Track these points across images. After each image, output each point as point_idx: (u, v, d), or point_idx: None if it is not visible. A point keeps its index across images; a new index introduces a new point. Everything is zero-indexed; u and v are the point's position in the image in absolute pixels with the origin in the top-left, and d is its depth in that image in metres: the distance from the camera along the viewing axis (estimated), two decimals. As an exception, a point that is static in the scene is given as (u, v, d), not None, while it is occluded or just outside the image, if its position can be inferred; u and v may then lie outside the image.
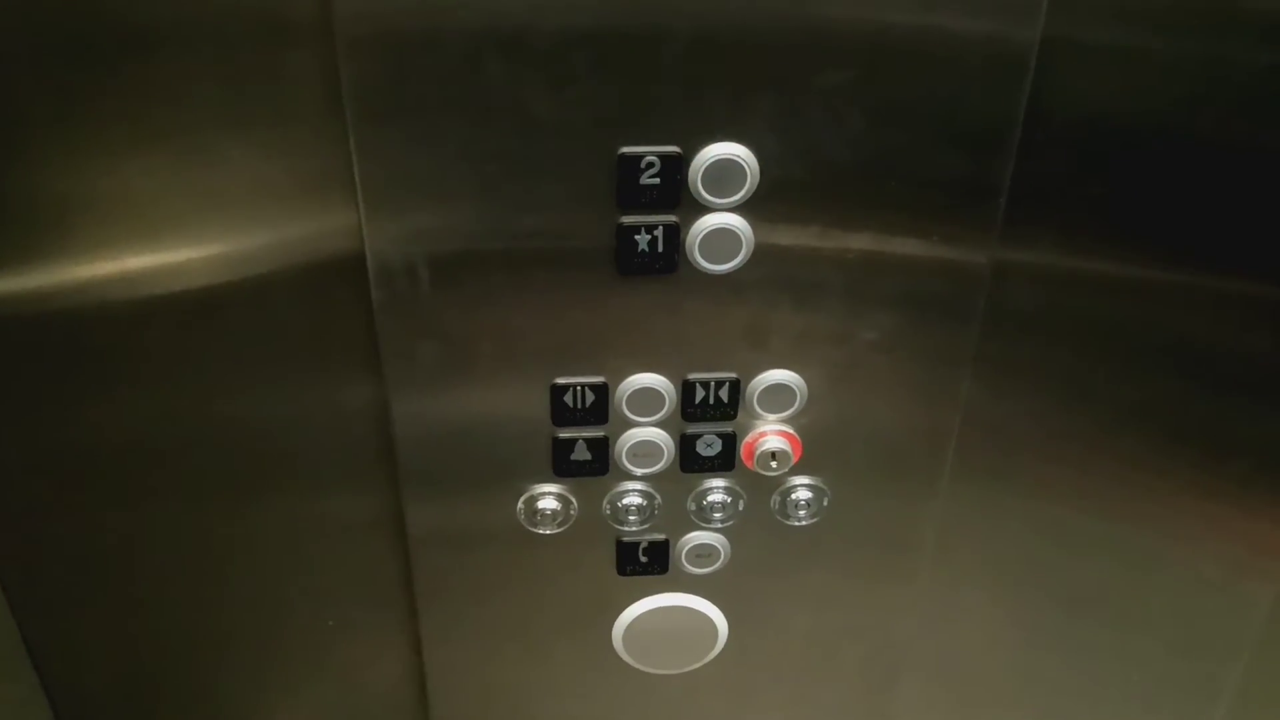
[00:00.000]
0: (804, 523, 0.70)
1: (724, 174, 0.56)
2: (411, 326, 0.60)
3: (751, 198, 0.57)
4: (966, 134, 0.57)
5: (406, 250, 0.57)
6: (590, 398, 0.63)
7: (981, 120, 0.56)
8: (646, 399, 0.64)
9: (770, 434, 0.66)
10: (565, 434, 0.65)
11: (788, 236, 0.59)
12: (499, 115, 0.54)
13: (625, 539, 0.70)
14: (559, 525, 0.68)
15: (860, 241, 0.60)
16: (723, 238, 0.58)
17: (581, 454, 0.66)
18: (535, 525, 0.68)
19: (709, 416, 0.65)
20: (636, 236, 0.58)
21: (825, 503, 0.69)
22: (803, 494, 0.69)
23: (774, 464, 0.66)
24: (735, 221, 0.58)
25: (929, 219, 0.60)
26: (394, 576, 0.71)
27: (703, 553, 0.71)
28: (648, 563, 0.71)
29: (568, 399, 0.63)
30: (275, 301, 0.60)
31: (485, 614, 0.73)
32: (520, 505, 0.67)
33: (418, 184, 0.56)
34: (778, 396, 0.65)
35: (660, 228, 0.58)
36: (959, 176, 0.58)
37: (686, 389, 0.64)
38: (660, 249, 0.58)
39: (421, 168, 0.55)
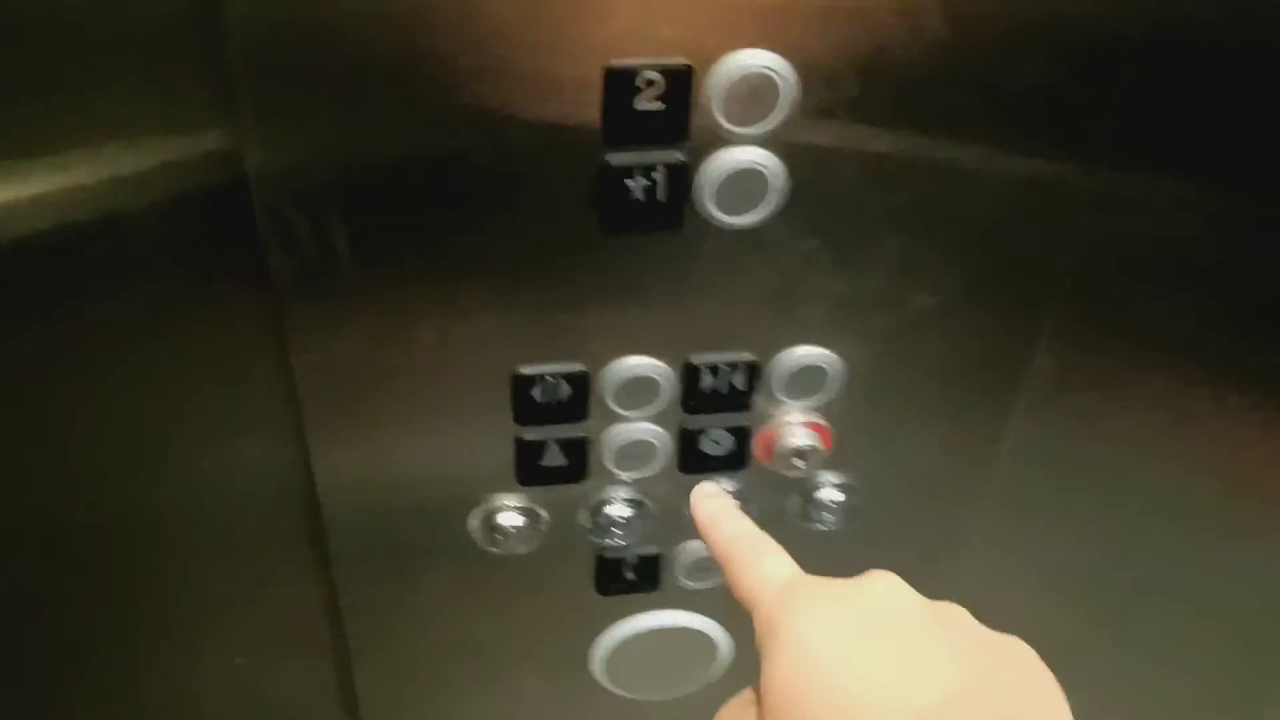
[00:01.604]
0: (830, 526, 0.56)
1: (750, 94, 0.41)
2: (325, 308, 0.44)
3: (784, 125, 0.42)
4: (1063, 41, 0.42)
5: (309, 201, 0.41)
6: (565, 390, 0.48)
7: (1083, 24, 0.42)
8: (638, 389, 0.49)
9: (795, 426, 0.52)
10: (532, 435, 0.50)
11: (830, 176, 0.44)
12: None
13: (609, 555, 0.56)
14: (525, 542, 0.53)
15: (922, 180, 0.45)
16: (745, 180, 0.43)
17: (554, 458, 0.51)
18: (495, 545, 0.53)
19: (718, 407, 0.51)
20: (629, 181, 0.42)
21: (857, 503, 0.55)
22: (830, 494, 0.55)
23: (799, 462, 0.52)
24: (762, 158, 0.43)
25: (1014, 150, 0.45)
26: (319, 608, 0.56)
27: (703, 566, 0.57)
28: (635, 580, 0.57)
29: (536, 393, 0.48)
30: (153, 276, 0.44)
31: (431, 651, 0.58)
32: (476, 522, 0.53)
33: (320, 107, 0.39)
34: (806, 380, 0.50)
35: (661, 168, 0.42)
36: (1051, 95, 0.44)
37: (690, 375, 0.49)
38: (661, 196, 0.43)
39: (325, 84, 0.39)
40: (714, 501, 0.42)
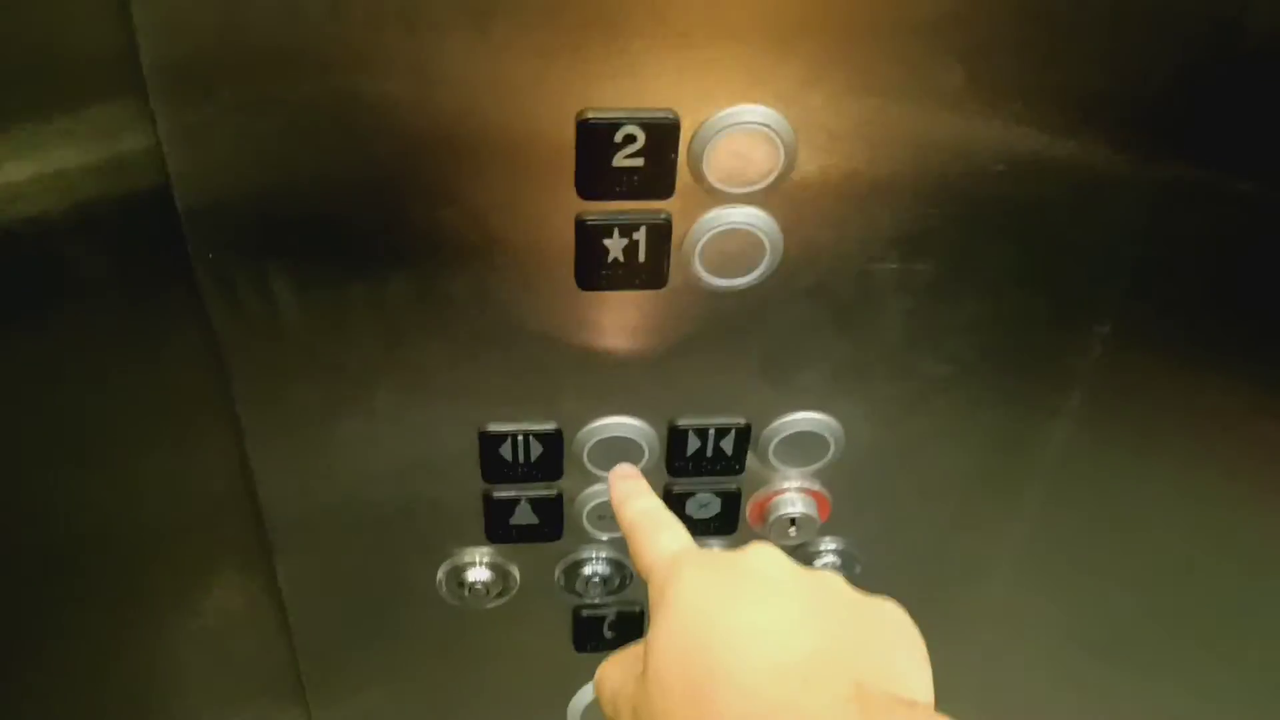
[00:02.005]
0: (826, 594, 0.52)
1: (743, 150, 0.36)
2: (272, 364, 0.41)
3: (779, 182, 0.37)
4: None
5: (251, 251, 0.38)
6: (537, 449, 0.45)
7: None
8: (617, 450, 0.45)
9: (791, 493, 0.48)
10: (502, 493, 0.46)
11: (827, 236, 0.40)
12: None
13: (587, 612, 0.52)
14: (494, 598, 0.50)
15: (926, 243, 0.41)
16: (737, 240, 0.39)
17: (526, 516, 0.47)
18: (461, 600, 0.50)
19: (706, 471, 0.47)
20: (606, 241, 0.38)
21: (857, 570, 0.51)
22: (827, 559, 0.51)
23: (793, 531, 0.48)
24: (755, 218, 0.38)
25: (1029, 211, 0.40)
26: (278, 657, 0.53)
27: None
28: (616, 638, 0.53)
29: (505, 451, 0.45)
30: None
31: (397, 706, 0.55)
32: (442, 576, 0.49)
33: (260, 150, 0.36)
34: (803, 446, 0.46)
35: (643, 229, 0.38)
36: (1063, 153, 0.39)
37: (675, 437, 0.45)
38: (643, 257, 0.39)
39: (267, 126, 0.35)
40: (627, 482, 0.44)
